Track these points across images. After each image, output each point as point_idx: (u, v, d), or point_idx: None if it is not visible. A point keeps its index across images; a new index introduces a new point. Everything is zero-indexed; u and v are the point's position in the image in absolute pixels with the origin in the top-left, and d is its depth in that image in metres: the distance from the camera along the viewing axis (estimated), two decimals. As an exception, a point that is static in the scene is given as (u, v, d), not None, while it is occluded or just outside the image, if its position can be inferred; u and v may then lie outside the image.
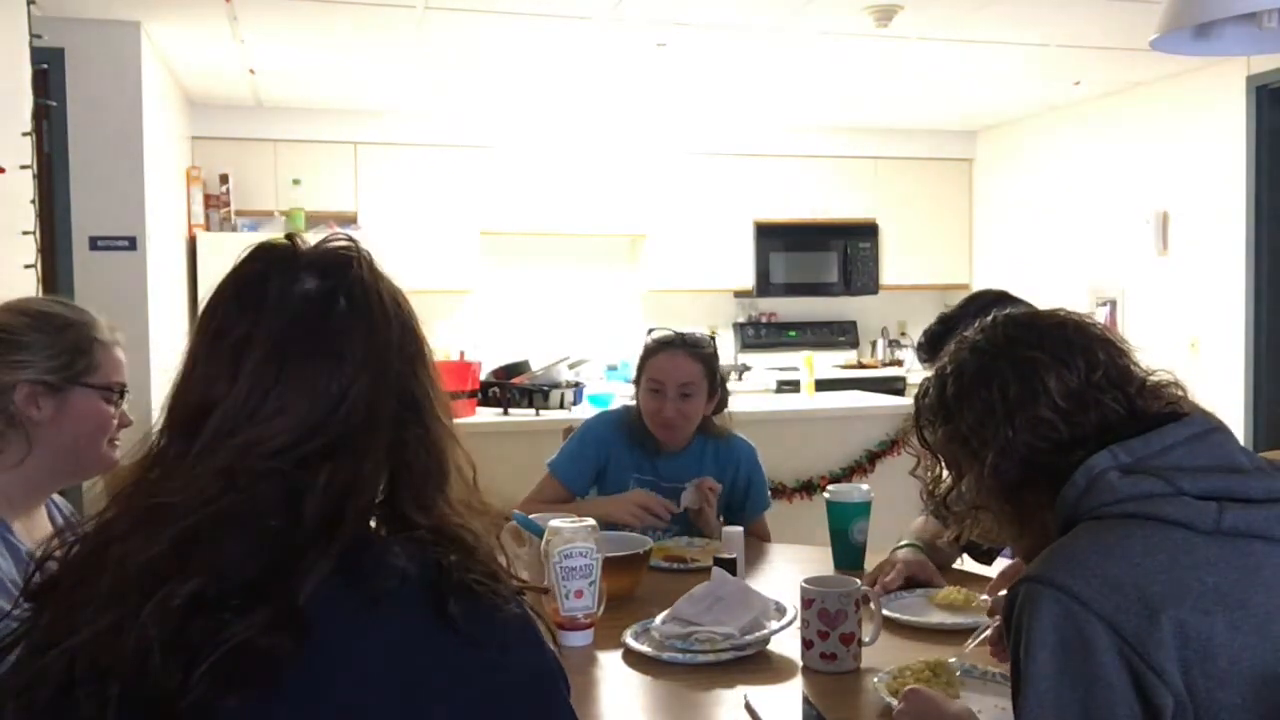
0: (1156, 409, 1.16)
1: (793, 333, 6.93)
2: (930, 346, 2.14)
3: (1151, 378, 1.19)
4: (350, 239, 1.01)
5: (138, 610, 0.82)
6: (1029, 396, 1.17)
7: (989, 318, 1.28)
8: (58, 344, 1.52)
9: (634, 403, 2.68)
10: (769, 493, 2.74)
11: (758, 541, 2.54)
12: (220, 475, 0.88)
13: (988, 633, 1.62)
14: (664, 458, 2.63)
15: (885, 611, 1.80)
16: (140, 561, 0.84)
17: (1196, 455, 1.09)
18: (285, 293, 0.94)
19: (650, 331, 2.72)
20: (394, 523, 0.94)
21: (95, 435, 1.56)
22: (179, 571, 0.83)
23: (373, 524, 0.95)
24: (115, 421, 1.58)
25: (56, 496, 1.66)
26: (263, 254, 0.98)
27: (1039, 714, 1.02)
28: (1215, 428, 1.13)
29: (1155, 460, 1.09)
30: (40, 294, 3.02)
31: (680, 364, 2.55)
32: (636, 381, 2.66)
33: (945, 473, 1.30)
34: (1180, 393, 1.19)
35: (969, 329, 1.29)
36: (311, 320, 0.94)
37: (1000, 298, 2.09)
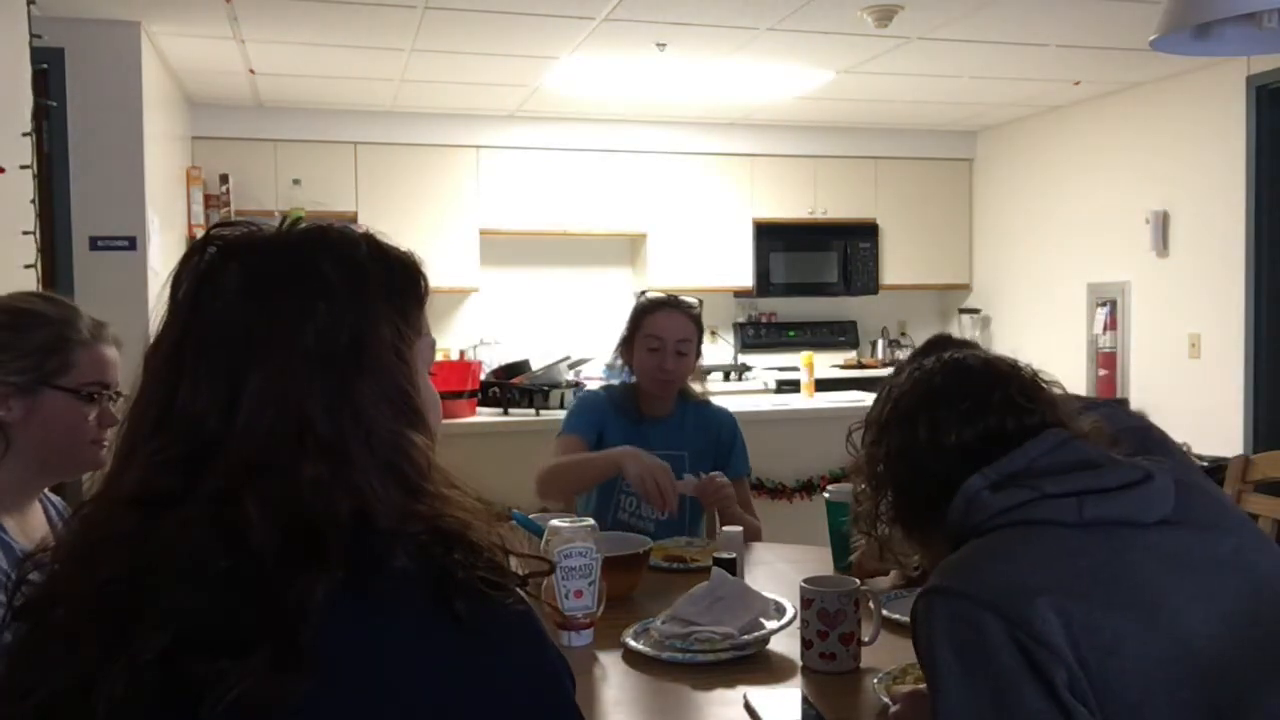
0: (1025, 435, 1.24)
1: (792, 333, 6.92)
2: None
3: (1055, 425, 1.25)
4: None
5: (104, 665, 0.77)
6: (930, 441, 1.26)
7: (934, 358, 1.35)
8: (27, 344, 1.47)
9: (615, 383, 2.73)
10: (749, 461, 2.77)
11: (752, 526, 2.54)
12: (134, 509, 0.82)
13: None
14: (649, 424, 2.68)
15: (885, 611, 1.80)
16: (87, 610, 0.80)
17: (1057, 461, 1.19)
18: (195, 288, 0.89)
19: (643, 293, 2.77)
20: (378, 528, 0.87)
21: (68, 438, 1.50)
22: (134, 621, 0.78)
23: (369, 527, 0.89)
24: (93, 422, 1.51)
25: (52, 495, 1.63)
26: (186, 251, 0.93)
27: (952, 712, 1.06)
28: (1074, 437, 1.22)
29: (1022, 472, 1.18)
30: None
31: (678, 321, 2.66)
32: (629, 341, 2.68)
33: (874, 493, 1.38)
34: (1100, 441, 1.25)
35: (922, 358, 1.37)
36: (221, 315, 0.87)
37: None
